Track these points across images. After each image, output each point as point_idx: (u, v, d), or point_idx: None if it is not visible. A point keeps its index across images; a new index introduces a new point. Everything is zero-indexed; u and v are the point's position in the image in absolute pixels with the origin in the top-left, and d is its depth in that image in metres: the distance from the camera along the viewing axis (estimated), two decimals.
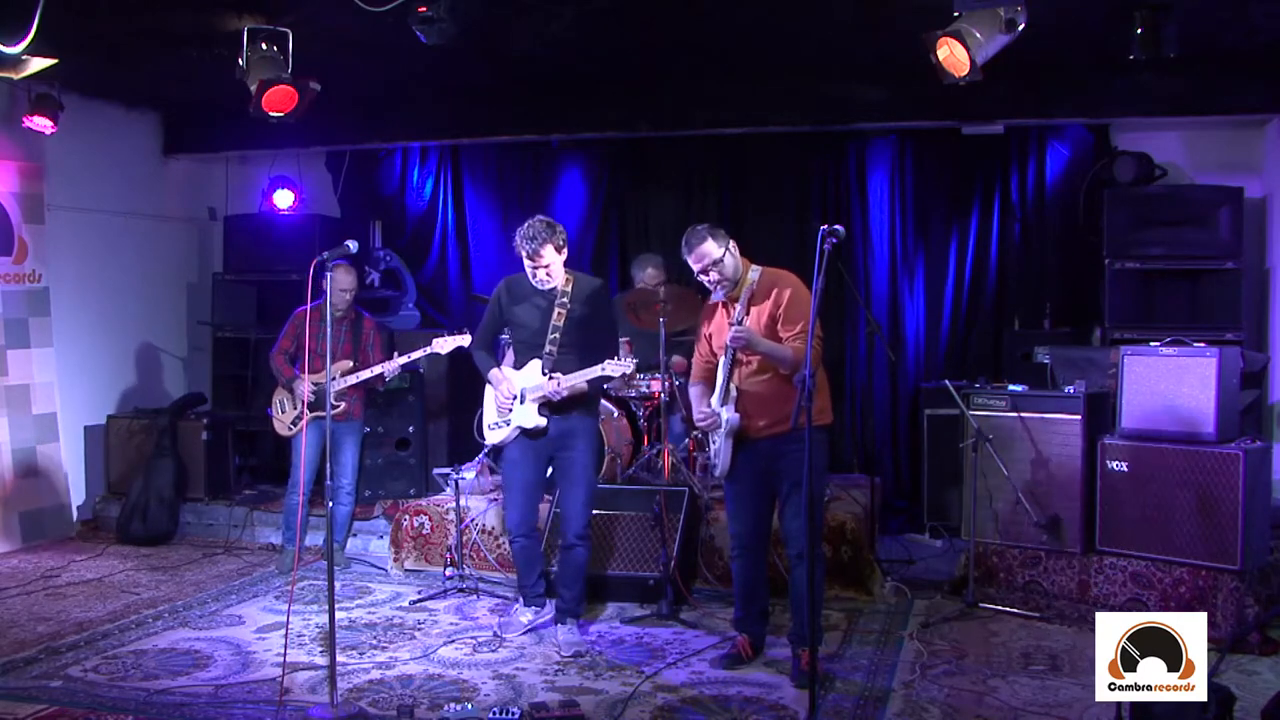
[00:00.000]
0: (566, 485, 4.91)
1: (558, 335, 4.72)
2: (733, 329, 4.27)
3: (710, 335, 4.56)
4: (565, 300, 4.73)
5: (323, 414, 6.03)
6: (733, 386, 4.41)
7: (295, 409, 6.15)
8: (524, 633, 4.92)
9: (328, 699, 3.99)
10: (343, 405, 6.03)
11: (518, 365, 4.88)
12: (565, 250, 4.69)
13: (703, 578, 5.68)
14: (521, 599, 5.05)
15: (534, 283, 4.72)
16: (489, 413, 5.00)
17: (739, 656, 4.56)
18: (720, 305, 4.52)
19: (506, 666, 4.55)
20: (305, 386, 5.98)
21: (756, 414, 4.38)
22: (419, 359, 5.84)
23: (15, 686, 4.27)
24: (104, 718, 3.98)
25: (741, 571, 4.59)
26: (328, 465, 4.20)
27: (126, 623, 5.16)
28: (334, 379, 6.04)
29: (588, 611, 5.27)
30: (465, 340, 5.53)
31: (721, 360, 4.43)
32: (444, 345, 5.65)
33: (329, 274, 5.99)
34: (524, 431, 4.81)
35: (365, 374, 5.92)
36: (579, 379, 4.68)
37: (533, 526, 4.97)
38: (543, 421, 4.75)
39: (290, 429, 6.19)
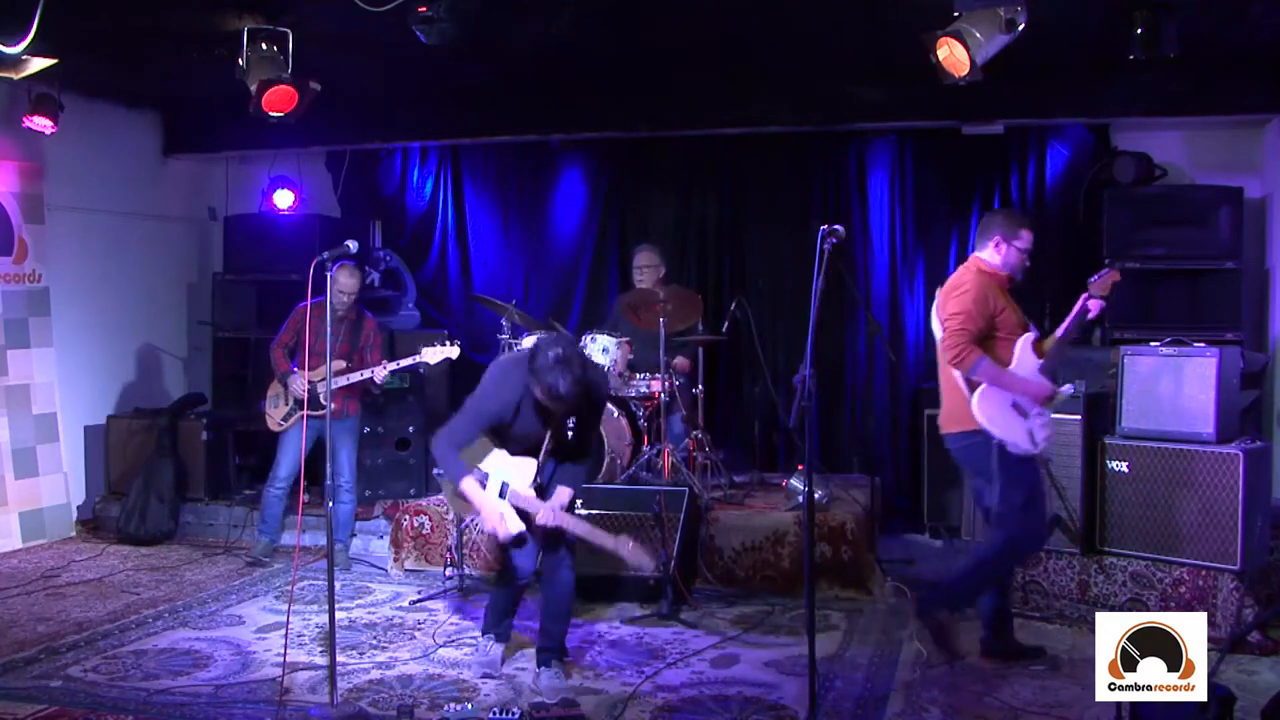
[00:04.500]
0: None
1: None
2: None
3: (1006, 309, 4.46)
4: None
5: (315, 413, 6.08)
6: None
7: (287, 405, 6.18)
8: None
9: (328, 699, 3.99)
10: (334, 404, 6.03)
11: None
12: None
13: (703, 578, 5.68)
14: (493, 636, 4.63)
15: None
16: None
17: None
18: (1000, 286, 4.49)
19: (507, 667, 4.54)
20: (301, 383, 6.02)
21: None
22: (407, 366, 5.97)
23: (15, 686, 4.27)
24: (104, 718, 3.98)
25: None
26: (327, 465, 4.18)
27: (126, 623, 5.16)
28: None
29: (588, 612, 5.27)
30: (454, 353, 5.84)
31: (1026, 336, 4.44)
32: (433, 355, 5.82)
33: (332, 273, 6.03)
34: None
35: (356, 376, 5.93)
36: None
37: None
38: None
39: (281, 424, 6.21)
